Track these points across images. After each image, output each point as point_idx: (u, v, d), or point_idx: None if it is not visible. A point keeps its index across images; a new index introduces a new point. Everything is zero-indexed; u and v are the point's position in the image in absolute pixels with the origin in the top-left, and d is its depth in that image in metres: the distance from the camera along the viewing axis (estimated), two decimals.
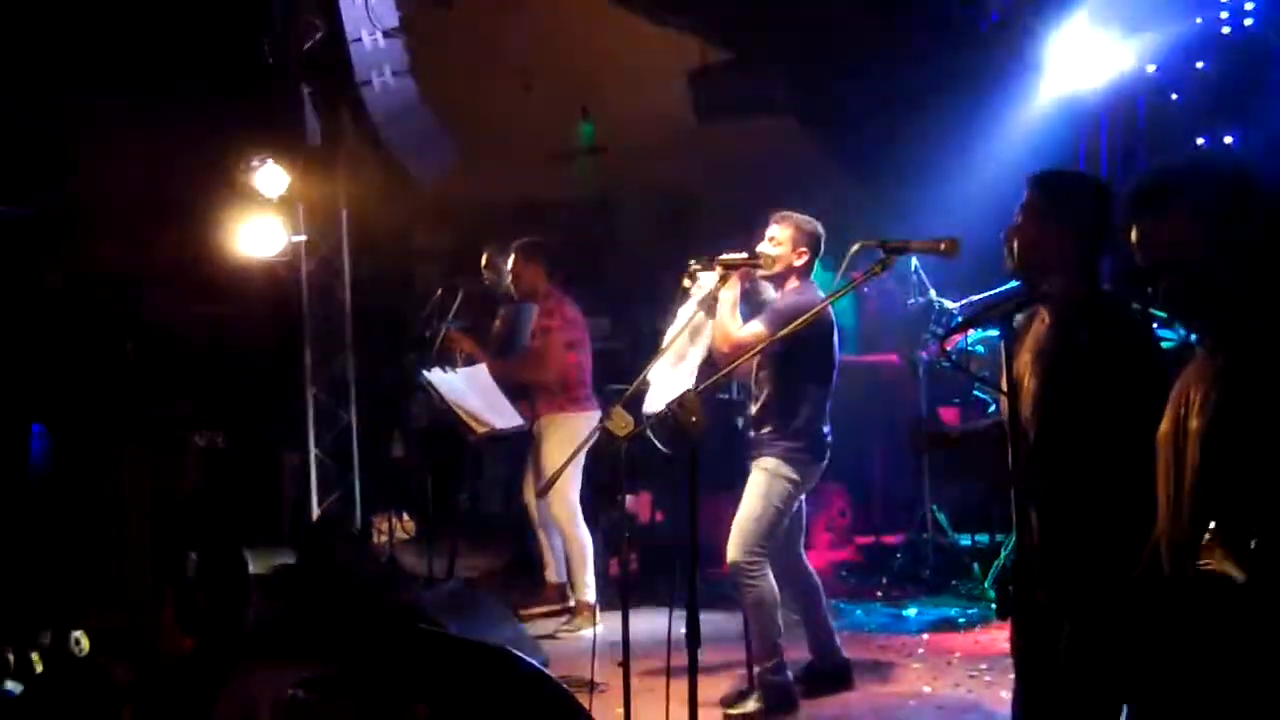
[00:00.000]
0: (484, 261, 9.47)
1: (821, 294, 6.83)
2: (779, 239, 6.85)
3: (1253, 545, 2.95)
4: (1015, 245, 4.40)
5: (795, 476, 6.81)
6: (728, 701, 6.92)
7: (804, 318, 5.65)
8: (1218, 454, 3.09)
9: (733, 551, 6.80)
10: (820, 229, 6.93)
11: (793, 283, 6.84)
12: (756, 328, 6.65)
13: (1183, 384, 3.27)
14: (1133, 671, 3.34)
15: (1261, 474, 2.99)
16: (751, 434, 6.97)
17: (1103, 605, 3.48)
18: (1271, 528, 2.95)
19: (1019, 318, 4.37)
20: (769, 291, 6.97)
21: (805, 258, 6.85)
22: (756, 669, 6.88)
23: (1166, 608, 3.22)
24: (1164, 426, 3.29)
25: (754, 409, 6.96)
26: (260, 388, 10.80)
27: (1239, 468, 3.04)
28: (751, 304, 6.97)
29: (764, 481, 6.81)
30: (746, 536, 6.78)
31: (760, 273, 6.86)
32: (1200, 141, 9.90)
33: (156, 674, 6.22)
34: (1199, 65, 9.78)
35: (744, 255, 6.77)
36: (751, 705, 6.83)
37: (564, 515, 8.53)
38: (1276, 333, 3.09)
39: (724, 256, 6.72)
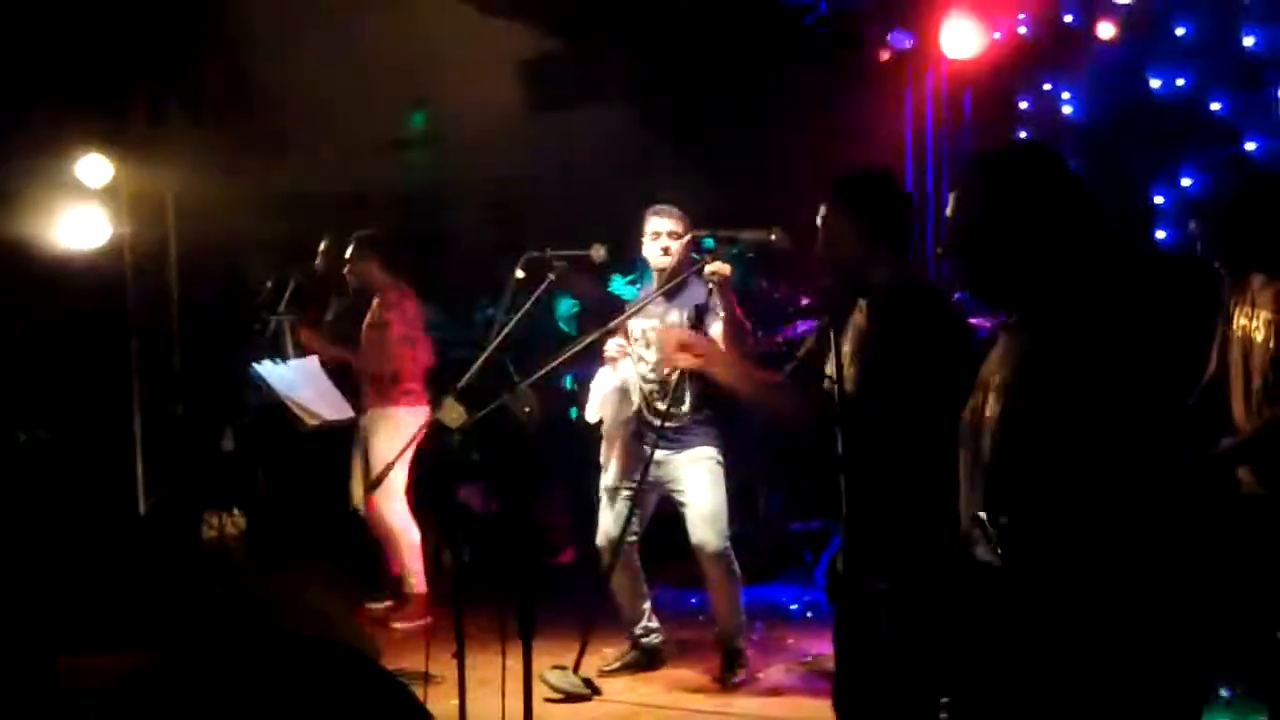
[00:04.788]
0: (323, 249, 9.36)
1: None
2: (680, 229, 6.89)
3: (1002, 521, 3.02)
4: (829, 258, 4.50)
5: (723, 459, 7.09)
6: (723, 678, 7.14)
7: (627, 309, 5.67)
8: (1009, 438, 3.11)
9: (716, 540, 7.00)
10: None
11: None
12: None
13: (986, 368, 3.30)
14: (943, 659, 3.41)
15: (1043, 457, 3.03)
16: (666, 424, 6.97)
17: (916, 592, 3.53)
18: (1041, 509, 3.02)
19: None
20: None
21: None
22: (737, 641, 7.19)
23: (968, 595, 3.25)
24: (966, 410, 3.32)
25: (670, 400, 6.97)
26: (85, 382, 10.59)
27: (1027, 452, 3.07)
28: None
29: (713, 469, 7.02)
30: (722, 523, 7.03)
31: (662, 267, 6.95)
32: (1024, 105, 10.19)
33: None
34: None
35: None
36: (741, 673, 7.15)
37: (390, 508, 8.45)
38: (1079, 315, 3.11)
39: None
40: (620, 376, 7.03)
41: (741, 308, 6.78)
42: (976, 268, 3.24)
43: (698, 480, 6.99)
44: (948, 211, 3.31)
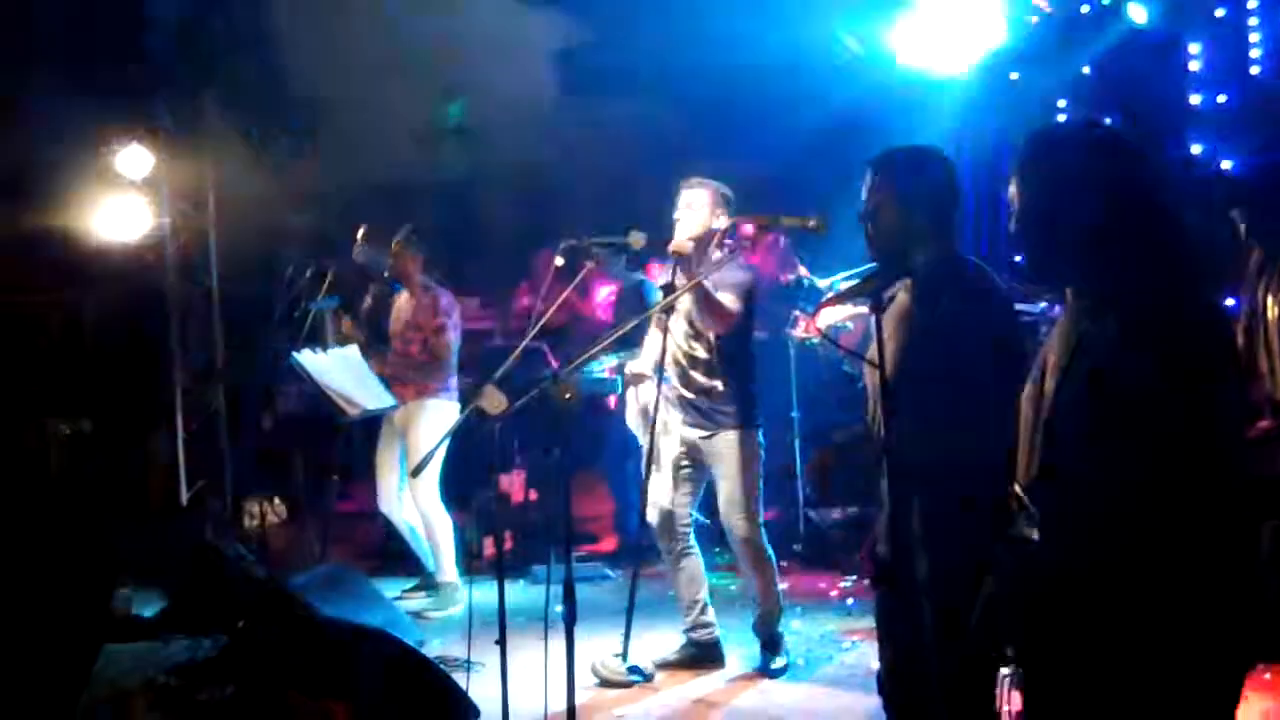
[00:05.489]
0: (360, 236, 9.39)
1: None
2: (696, 204, 6.81)
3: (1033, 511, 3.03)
4: (872, 229, 4.48)
5: (761, 439, 6.98)
6: (763, 664, 7.10)
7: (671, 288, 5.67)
8: (1061, 418, 3.08)
9: (744, 524, 6.92)
10: (729, 192, 6.92)
11: (718, 252, 6.78)
12: (735, 304, 6.70)
13: (1046, 346, 3.27)
14: (1000, 629, 3.37)
15: (1090, 438, 3.00)
16: (700, 404, 6.94)
17: (968, 571, 3.50)
18: (1085, 489, 3.01)
19: (892, 291, 4.45)
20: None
21: (724, 220, 6.80)
22: (775, 626, 7.16)
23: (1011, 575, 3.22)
24: (1027, 388, 3.28)
25: (700, 382, 6.92)
26: (127, 372, 10.64)
27: (1076, 432, 3.03)
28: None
29: (745, 451, 6.89)
30: (750, 506, 6.92)
31: (681, 242, 6.72)
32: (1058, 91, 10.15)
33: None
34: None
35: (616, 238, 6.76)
36: (782, 660, 7.10)
37: (427, 496, 8.45)
38: (1135, 298, 3.06)
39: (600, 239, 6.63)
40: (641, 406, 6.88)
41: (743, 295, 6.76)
42: (1041, 249, 3.22)
43: (728, 461, 6.93)
44: (1010, 193, 3.28)
